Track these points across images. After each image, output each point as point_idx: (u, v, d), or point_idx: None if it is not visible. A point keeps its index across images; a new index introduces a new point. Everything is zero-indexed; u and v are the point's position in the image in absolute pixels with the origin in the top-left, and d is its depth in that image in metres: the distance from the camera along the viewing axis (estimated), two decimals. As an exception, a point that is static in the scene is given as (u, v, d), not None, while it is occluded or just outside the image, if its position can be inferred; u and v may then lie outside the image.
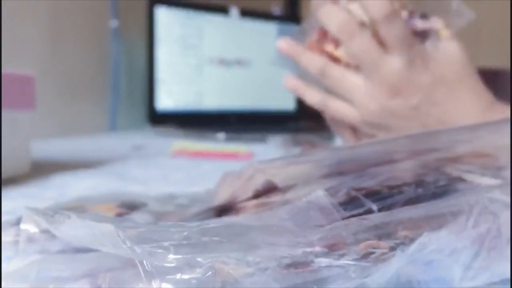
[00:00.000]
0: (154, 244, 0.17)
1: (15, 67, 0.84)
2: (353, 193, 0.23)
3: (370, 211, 0.22)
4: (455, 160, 0.31)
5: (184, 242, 0.17)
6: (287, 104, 1.27)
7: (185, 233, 0.18)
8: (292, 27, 1.30)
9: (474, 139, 0.31)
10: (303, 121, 1.27)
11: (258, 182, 0.29)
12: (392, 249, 0.21)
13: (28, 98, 0.56)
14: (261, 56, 1.22)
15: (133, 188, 0.50)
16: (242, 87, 1.21)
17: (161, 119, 1.13)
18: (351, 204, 0.22)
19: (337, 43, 0.52)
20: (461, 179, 0.29)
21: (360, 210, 0.22)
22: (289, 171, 0.29)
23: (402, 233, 0.23)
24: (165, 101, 1.14)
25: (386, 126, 0.52)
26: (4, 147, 0.52)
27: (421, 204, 0.23)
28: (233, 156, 0.79)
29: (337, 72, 0.52)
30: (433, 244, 0.20)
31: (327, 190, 0.22)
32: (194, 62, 1.16)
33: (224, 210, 0.31)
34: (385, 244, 0.21)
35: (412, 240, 0.23)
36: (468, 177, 0.29)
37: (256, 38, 1.23)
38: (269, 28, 1.27)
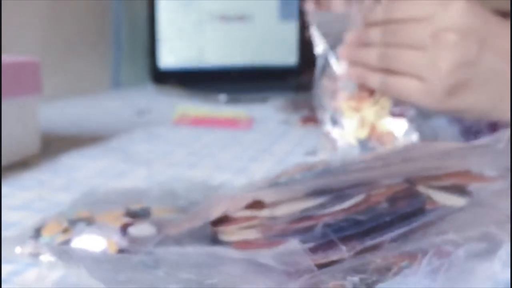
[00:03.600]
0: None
1: (17, 23, 0.85)
2: (327, 231, 0.27)
3: (342, 254, 0.26)
4: (429, 177, 0.34)
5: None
6: (289, 59, 1.28)
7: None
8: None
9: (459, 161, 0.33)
10: (305, 75, 1.28)
11: (248, 199, 0.33)
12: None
13: (35, 83, 0.59)
14: (263, 11, 1.22)
15: (138, 173, 0.54)
16: (243, 42, 1.22)
17: (163, 77, 1.15)
18: (325, 249, 0.26)
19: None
20: (429, 198, 0.33)
21: (333, 255, 0.25)
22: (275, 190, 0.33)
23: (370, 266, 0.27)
24: (167, 58, 1.15)
25: (464, 84, 0.49)
26: (15, 133, 0.56)
27: (385, 246, 0.27)
28: (233, 124, 0.82)
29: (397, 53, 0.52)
30: None
31: (304, 232, 0.26)
32: (194, 18, 1.17)
33: (219, 222, 0.34)
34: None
35: (379, 270, 0.27)
36: (436, 196, 0.33)
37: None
38: (270, -20, 1.26)
